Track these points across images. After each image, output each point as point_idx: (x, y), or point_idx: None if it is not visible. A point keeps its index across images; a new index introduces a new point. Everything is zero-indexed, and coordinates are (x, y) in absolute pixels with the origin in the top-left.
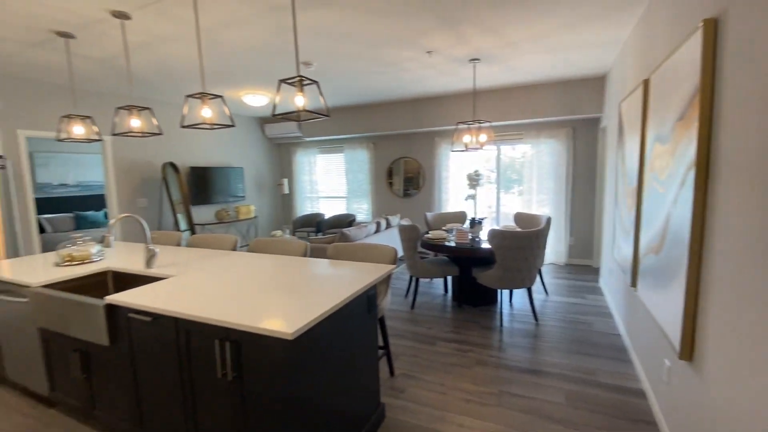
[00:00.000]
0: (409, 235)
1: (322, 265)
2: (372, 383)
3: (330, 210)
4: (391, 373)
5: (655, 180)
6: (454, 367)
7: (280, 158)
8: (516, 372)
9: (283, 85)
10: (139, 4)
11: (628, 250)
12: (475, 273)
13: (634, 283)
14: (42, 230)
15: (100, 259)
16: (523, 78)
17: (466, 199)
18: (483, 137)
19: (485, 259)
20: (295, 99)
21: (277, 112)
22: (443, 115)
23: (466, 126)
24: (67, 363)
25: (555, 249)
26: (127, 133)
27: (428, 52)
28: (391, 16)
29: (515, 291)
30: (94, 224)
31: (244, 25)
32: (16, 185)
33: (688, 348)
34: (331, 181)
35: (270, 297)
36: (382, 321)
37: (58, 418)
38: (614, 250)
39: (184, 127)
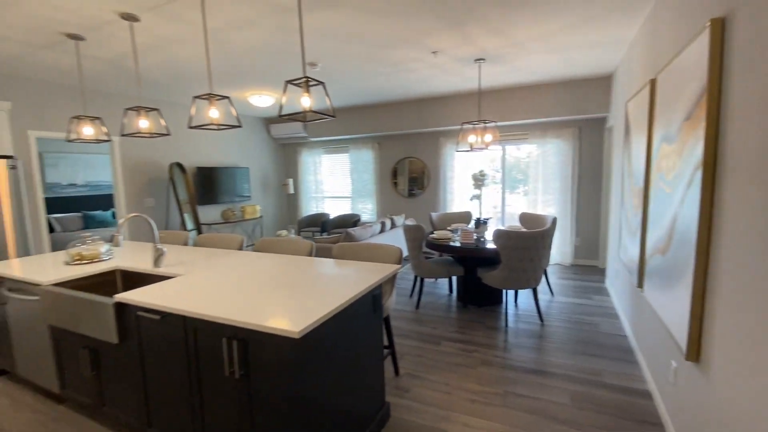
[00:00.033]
0: (414, 235)
1: (327, 264)
2: (377, 382)
3: (335, 210)
4: (396, 372)
5: (662, 180)
6: (458, 367)
7: (286, 158)
8: (521, 372)
9: (289, 86)
10: (148, 6)
11: (634, 251)
12: (480, 273)
13: (640, 284)
14: (51, 229)
15: (109, 258)
16: (528, 78)
17: (471, 200)
18: (488, 137)
19: (490, 260)
20: (302, 100)
21: (283, 113)
22: (448, 115)
23: (471, 126)
24: (77, 360)
25: (560, 249)
26: (136, 134)
27: (433, 52)
28: (397, 17)
29: (520, 291)
30: (102, 224)
31: (250, 27)
32: (26, 185)
33: (695, 349)
34: (336, 181)
35: (276, 296)
36: (387, 320)
37: (68, 415)
38: (620, 251)
39: (192, 127)
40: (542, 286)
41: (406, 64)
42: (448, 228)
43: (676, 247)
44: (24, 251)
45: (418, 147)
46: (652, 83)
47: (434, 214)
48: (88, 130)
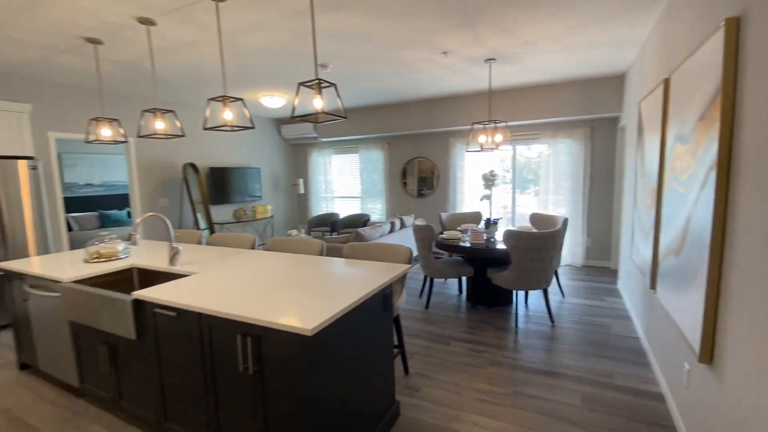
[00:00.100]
0: (423, 235)
1: (338, 264)
2: (387, 381)
3: (344, 210)
4: (406, 371)
5: (676, 180)
6: (468, 367)
7: (296, 159)
8: (531, 373)
9: (301, 88)
10: (164, 10)
11: (647, 252)
12: (490, 274)
13: (653, 285)
14: (69, 228)
15: (126, 257)
16: (539, 77)
17: (481, 200)
18: (499, 137)
19: (500, 260)
20: (314, 102)
21: (295, 114)
22: (458, 115)
23: (481, 126)
24: (96, 355)
25: (572, 250)
26: (152, 135)
27: (444, 52)
28: (407, 18)
29: (531, 292)
30: (117, 223)
31: (262, 30)
32: (46, 185)
33: (708, 351)
34: (345, 182)
35: (289, 294)
36: (396, 320)
37: (87, 408)
38: (633, 252)
39: (206, 129)
40: (553, 287)
41: (417, 64)
42: (458, 228)
43: (690, 248)
44: (44, 249)
45: (428, 147)
46: (666, 83)
47: (444, 215)
48: (106, 132)
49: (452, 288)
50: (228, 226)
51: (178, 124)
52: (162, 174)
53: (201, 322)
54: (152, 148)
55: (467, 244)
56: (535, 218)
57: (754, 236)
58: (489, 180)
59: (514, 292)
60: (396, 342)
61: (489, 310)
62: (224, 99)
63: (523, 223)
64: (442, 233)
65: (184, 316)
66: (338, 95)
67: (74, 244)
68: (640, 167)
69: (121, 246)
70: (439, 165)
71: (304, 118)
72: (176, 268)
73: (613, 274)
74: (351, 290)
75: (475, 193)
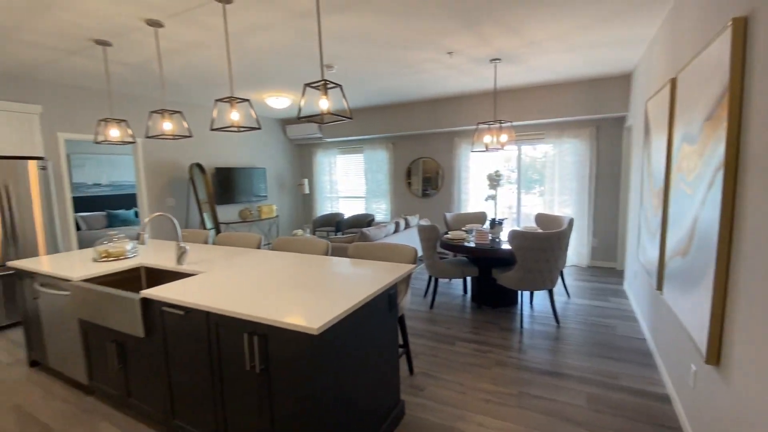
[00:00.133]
0: (428, 235)
1: (343, 263)
2: (392, 380)
3: (349, 210)
4: (411, 371)
5: (683, 181)
6: (473, 367)
7: (301, 159)
8: (536, 374)
9: (306, 88)
10: (172, 12)
11: (653, 253)
12: (495, 274)
13: (659, 286)
14: (77, 228)
15: (134, 256)
16: (545, 77)
17: (486, 200)
18: (504, 137)
19: (505, 260)
20: (320, 102)
21: (301, 115)
22: (463, 115)
23: (486, 126)
24: (105, 353)
25: (577, 251)
26: (160, 136)
27: (449, 53)
28: (413, 18)
29: (536, 293)
30: (125, 222)
31: (268, 31)
32: (56, 185)
33: (715, 352)
34: (350, 182)
35: (295, 293)
36: (401, 320)
37: (96, 405)
38: (639, 253)
39: (213, 129)
40: (558, 288)
41: (422, 64)
42: (463, 228)
43: (697, 249)
44: (53, 248)
45: (433, 147)
46: (673, 82)
47: (449, 215)
48: (114, 132)
49: (457, 288)
50: (234, 225)
51: (185, 124)
52: (169, 174)
53: (208, 320)
54: (159, 149)
55: (472, 245)
56: (541, 218)
57: (761, 237)
58: (494, 180)
59: (519, 292)
60: (401, 342)
61: (494, 310)
62: (231, 100)
63: (528, 224)
64: (446, 233)
65: (191, 314)
66: (344, 96)
67: (82, 244)
68: (646, 167)
69: (129, 245)
70: (444, 165)
71: (311, 118)
72: (184, 268)
73: (619, 274)
74: (356, 290)
75: (479, 193)
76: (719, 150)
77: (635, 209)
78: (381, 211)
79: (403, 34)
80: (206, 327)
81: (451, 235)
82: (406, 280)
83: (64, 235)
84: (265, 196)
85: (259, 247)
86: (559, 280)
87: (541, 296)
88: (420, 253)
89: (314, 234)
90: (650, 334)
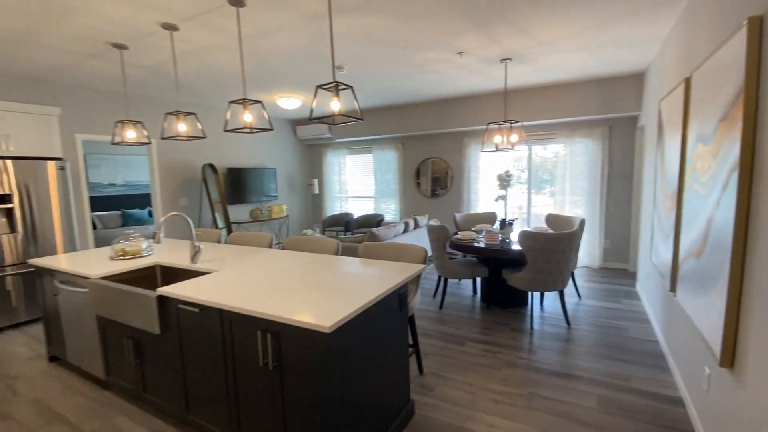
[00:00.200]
0: (438, 235)
1: (354, 263)
2: (402, 379)
3: (358, 210)
4: (420, 371)
5: (697, 182)
6: (483, 368)
7: (311, 159)
8: (546, 375)
9: (318, 90)
10: (187, 16)
11: (667, 254)
12: (505, 275)
13: (673, 288)
14: (93, 227)
15: (149, 254)
16: (556, 76)
17: (497, 200)
18: (514, 137)
19: (515, 261)
20: (331, 104)
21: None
22: (473, 115)
23: (496, 126)
24: (122, 349)
25: (589, 251)
26: (175, 137)
27: (459, 53)
28: (423, 19)
29: (546, 294)
30: (139, 221)
31: (280, 33)
32: (73, 185)
33: (729, 355)
34: (359, 182)
35: (307, 292)
36: (411, 319)
37: (113, 400)
38: (652, 254)
39: (227, 131)
40: (569, 289)
41: (432, 65)
42: (473, 229)
43: (711, 251)
44: (70, 247)
45: (442, 147)
46: (687, 82)
47: (458, 215)
48: (130, 134)
49: (466, 288)
50: (245, 225)
51: (199, 126)
52: (182, 174)
53: (222, 318)
54: (173, 149)
55: (482, 245)
56: (551, 219)
57: None
58: (504, 180)
59: (530, 293)
60: (410, 341)
61: (504, 311)
62: (244, 102)
63: (539, 224)
64: (456, 234)
65: (206, 312)
66: (355, 97)
67: (98, 242)
68: (660, 168)
69: (144, 244)
70: (453, 165)
71: (322, 119)
72: (198, 266)
73: (631, 276)
74: (367, 289)
75: (489, 193)
76: (734, 151)
77: (648, 210)
78: (390, 211)
79: (413, 34)
80: (220, 324)
81: (460, 235)
82: (416, 279)
83: (81, 233)
84: (276, 196)
85: (270, 247)
86: (570, 281)
87: (551, 297)
88: (429, 253)
89: (324, 234)
90: (663, 336)
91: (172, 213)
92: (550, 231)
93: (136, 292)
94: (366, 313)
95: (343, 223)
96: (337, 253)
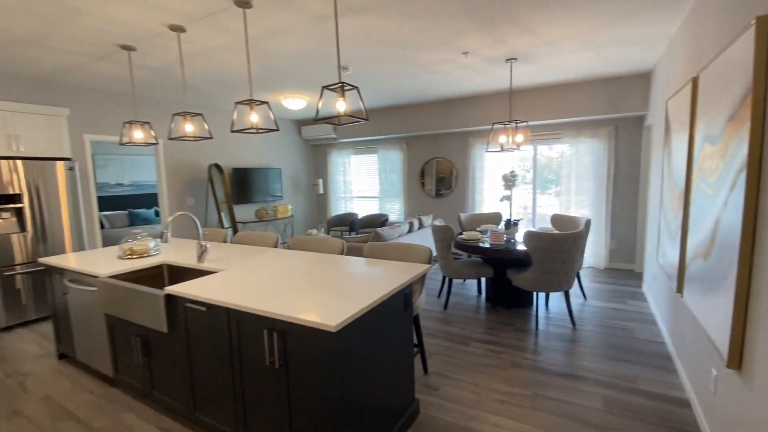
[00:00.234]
0: (443, 235)
1: (359, 263)
2: (407, 379)
3: (363, 210)
4: (425, 370)
5: (704, 182)
6: (487, 368)
7: (316, 159)
8: (552, 375)
9: (320, 89)
10: (194, 17)
11: (673, 255)
12: (510, 275)
13: (680, 289)
14: (101, 226)
15: (157, 254)
16: (562, 76)
17: (502, 200)
18: (519, 137)
19: (520, 261)
20: (337, 104)
21: (318, 116)
22: (477, 115)
23: (502, 126)
24: (130, 347)
25: (594, 252)
26: (182, 137)
27: (464, 53)
28: (428, 19)
29: (552, 294)
30: (145, 221)
31: (286, 34)
32: (82, 185)
33: (737, 356)
34: (364, 182)
35: (312, 292)
36: (416, 319)
37: (121, 397)
38: (659, 255)
39: (233, 131)
40: (575, 290)
41: (437, 65)
42: (478, 229)
43: (719, 251)
44: (79, 246)
45: (447, 147)
46: (694, 81)
47: (463, 215)
48: (138, 134)
49: (471, 289)
50: (250, 225)
51: (206, 126)
52: (188, 174)
53: (229, 316)
54: (180, 150)
55: (487, 245)
56: (557, 219)
57: None
58: (509, 180)
59: (535, 293)
60: (415, 341)
61: (508, 311)
62: (251, 102)
63: (544, 224)
64: (461, 234)
65: (213, 310)
66: (360, 98)
67: (106, 242)
68: (666, 168)
69: (152, 243)
70: (458, 165)
71: (328, 120)
72: (204, 265)
73: (637, 277)
74: (373, 289)
75: (494, 193)
76: (742, 151)
77: (655, 210)
78: (395, 211)
79: (418, 35)
80: (227, 323)
81: (465, 235)
82: (421, 279)
83: (90, 233)
84: (281, 196)
85: (276, 246)
86: (576, 281)
87: (556, 298)
88: (434, 253)
89: (328, 234)
90: (670, 337)
91: (180, 213)
92: (556, 231)
93: (144, 290)
94: (371, 313)
95: (348, 223)
96: (342, 253)
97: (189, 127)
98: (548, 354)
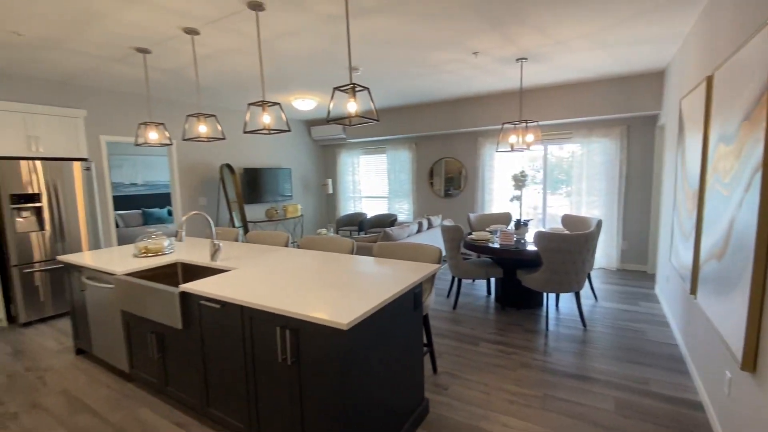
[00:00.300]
0: (452, 235)
1: (369, 262)
2: (417, 378)
3: (372, 210)
4: (434, 370)
5: (719, 182)
6: (497, 368)
7: (325, 159)
8: (562, 376)
9: (330, 89)
10: (208, 20)
11: (687, 256)
12: (520, 275)
13: (693, 291)
14: (116, 225)
15: (171, 252)
16: (573, 75)
17: (511, 200)
18: (530, 137)
19: (530, 262)
20: (348, 105)
21: (328, 117)
22: (487, 114)
23: (512, 126)
24: (145, 343)
25: (606, 253)
26: (196, 138)
27: (474, 53)
28: (439, 20)
29: (562, 295)
30: (158, 220)
31: (298, 36)
32: (98, 185)
33: (751, 358)
34: (373, 182)
35: (323, 290)
36: (425, 319)
37: (136, 392)
38: (672, 256)
39: (246, 132)
40: (585, 291)
41: (446, 65)
42: (487, 229)
43: (733, 252)
44: (95, 244)
45: (456, 147)
46: (709, 80)
47: (472, 215)
48: (153, 135)
49: (480, 289)
50: (260, 224)
51: (219, 127)
52: (201, 174)
53: (243, 314)
54: (192, 150)
55: (496, 245)
56: (567, 220)
57: None
58: (519, 180)
59: (545, 294)
60: (425, 340)
61: (518, 312)
62: (263, 104)
63: (554, 225)
64: (470, 234)
65: (227, 308)
66: (371, 98)
67: (120, 240)
68: (680, 168)
69: (166, 242)
70: (467, 165)
71: (339, 121)
72: (217, 264)
73: (650, 278)
74: (383, 288)
75: (504, 193)
76: (757, 151)
77: (668, 211)
78: (403, 211)
79: (428, 35)
80: (241, 320)
81: (475, 235)
82: (431, 279)
83: (106, 231)
84: (291, 196)
85: (287, 245)
86: (587, 282)
87: (567, 299)
88: (443, 253)
89: (337, 233)
90: (682, 339)
91: (194, 212)
92: (566, 232)
93: (160, 288)
94: (382, 312)
95: (357, 222)
96: (352, 253)
97: (203, 128)
98: (558, 355)
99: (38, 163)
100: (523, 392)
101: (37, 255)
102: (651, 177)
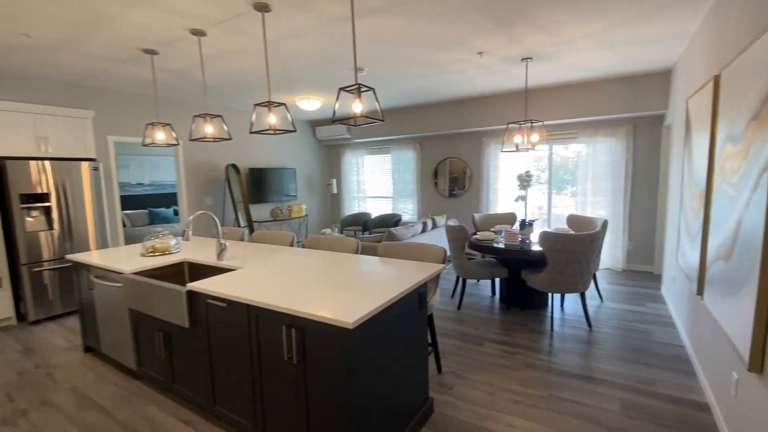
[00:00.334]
0: (457, 235)
1: (374, 262)
2: (421, 377)
3: (376, 210)
4: (439, 370)
5: (726, 182)
6: (502, 369)
7: (330, 159)
8: (567, 377)
9: (335, 90)
10: (214, 21)
11: (694, 256)
12: (525, 276)
13: (700, 291)
14: (123, 224)
15: (178, 251)
16: (579, 75)
17: (516, 201)
18: (535, 137)
19: (535, 262)
20: (353, 105)
21: (335, 118)
22: (492, 114)
23: (517, 126)
24: (153, 341)
25: (611, 253)
26: (203, 139)
27: (479, 53)
28: (444, 20)
29: (567, 296)
30: (165, 220)
31: (303, 36)
32: (105, 185)
33: (759, 359)
34: (377, 182)
35: (329, 289)
36: (430, 319)
37: (144, 390)
38: (678, 256)
39: (252, 132)
40: (591, 292)
41: (451, 65)
42: (492, 229)
43: (740, 253)
44: (102, 243)
45: (460, 147)
46: (716, 80)
47: (477, 215)
48: (160, 135)
49: (485, 289)
50: (265, 224)
51: (225, 128)
52: (206, 174)
53: (249, 313)
54: (198, 151)
55: (501, 245)
56: (573, 220)
57: None
58: (524, 180)
59: (550, 295)
60: (429, 340)
61: (523, 312)
62: (269, 104)
63: (559, 225)
64: (475, 234)
65: (233, 307)
66: (376, 99)
67: (127, 240)
68: (687, 168)
69: (173, 241)
70: (472, 165)
71: (344, 121)
72: (224, 263)
73: (656, 279)
74: (388, 287)
75: (509, 193)
76: (765, 151)
77: (674, 211)
78: (408, 211)
79: (433, 35)
80: (247, 319)
81: (479, 235)
82: (435, 279)
83: (113, 231)
84: (295, 196)
85: (292, 245)
86: (592, 283)
87: (572, 299)
88: (448, 253)
89: (342, 233)
90: (689, 340)
91: (200, 212)
92: (572, 232)
93: (167, 287)
94: (387, 311)
95: (361, 222)
96: (356, 252)
97: (209, 129)
98: (563, 355)
99: (47, 163)
100: (528, 392)
101: (46, 254)
102: (657, 177)
